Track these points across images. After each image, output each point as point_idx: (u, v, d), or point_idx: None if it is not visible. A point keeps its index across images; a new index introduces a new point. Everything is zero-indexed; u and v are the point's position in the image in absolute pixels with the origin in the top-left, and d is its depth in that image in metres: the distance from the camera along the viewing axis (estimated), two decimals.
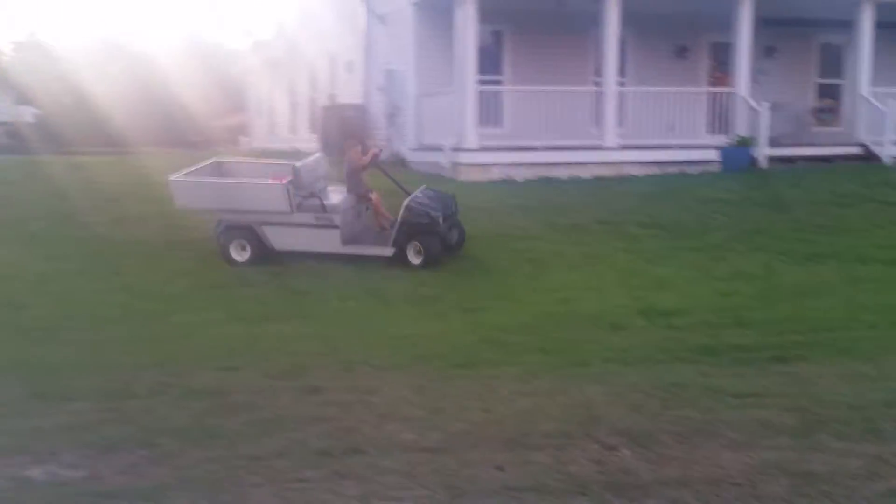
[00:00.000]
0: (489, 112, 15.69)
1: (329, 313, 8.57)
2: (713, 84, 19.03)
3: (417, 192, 10.72)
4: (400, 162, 17.73)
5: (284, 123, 26.61)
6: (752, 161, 16.39)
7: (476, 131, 15.50)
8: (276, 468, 4.70)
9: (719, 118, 17.14)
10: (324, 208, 10.48)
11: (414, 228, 10.30)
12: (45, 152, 24.41)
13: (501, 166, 15.50)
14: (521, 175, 15.44)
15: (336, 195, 11.10)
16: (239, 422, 5.43)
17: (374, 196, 11.09)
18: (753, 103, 16.70)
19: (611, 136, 16.18)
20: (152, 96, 37.06)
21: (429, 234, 10.26)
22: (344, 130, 19.42)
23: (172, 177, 10.66)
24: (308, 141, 22.43)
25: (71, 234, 11.86)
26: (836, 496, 4.25)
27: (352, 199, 10.93)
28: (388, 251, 10.33)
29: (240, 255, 10.52)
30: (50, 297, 9.11)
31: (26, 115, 39.47)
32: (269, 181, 10.62)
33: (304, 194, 10.58)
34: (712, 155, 16.45)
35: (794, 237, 11.70)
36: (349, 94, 21.02)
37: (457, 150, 15.40)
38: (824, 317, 8.18)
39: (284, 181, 10.43)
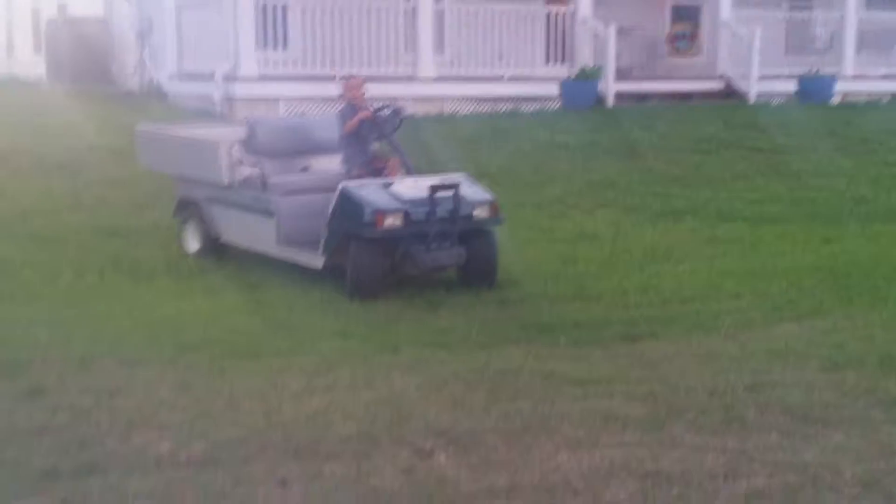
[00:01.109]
0: (273, 31, 15.40)
1: (61, 292, 8.20)
2: (550, 3, 19.50)
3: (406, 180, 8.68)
4: (157, 94, 17.17)
5: None
6: (598, 98, 16.93)
7: (255, 55, 15.18)
8: None
9: (559, 45, 17.59)
10: (263, 186, 9.02)
11: (345, 230, 8.33)
12: None
13: (290, 100, 15.30)
14: (314, 111, 15.28)
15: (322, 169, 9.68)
16: None
17: (390, 165, 9.30)
18: (599, 27, 17.22)
19: (427, 65, 16.27)
20: None
21: (363, 243, 8.22)
22: (79, 52, 18.64)
23: (140, 127, 10.38)
24: (31, 65, 21.34)
25: None
26: (692, 500, 4.46)
27: (336, 177, 9.05)
28: (318, 261, 8.51)
29: (194, 241, 9.69)
30: None
31: None
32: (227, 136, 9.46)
33: (257, 163, 9.21)
34: (552, 89, 16.86)
35: (647, 190, 12.22)
36: (85, 3, 20.11)
37: (230, 79, 15.05)
38: (680, 285, 8.59)
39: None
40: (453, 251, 8.29)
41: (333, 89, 15.40)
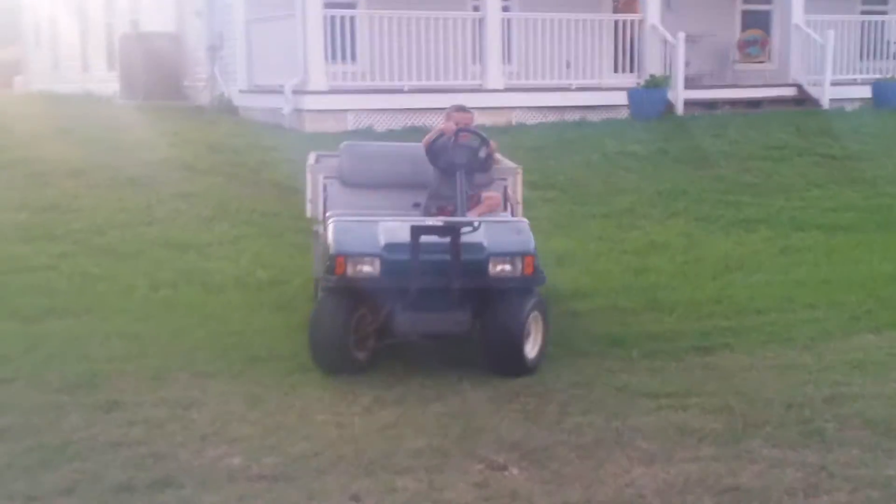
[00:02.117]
0: (341, 44, 15.49)
1: (135, 305, 8.30)
2: (618, 11, 19.40)
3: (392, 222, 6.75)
4: (228, 108, 17.37)
5: (74, 58, 25.62)
6: (667, 106, 16.81)
7: (324, 68, 15.29)
8: None
9: (627, 53, 17.48)
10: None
11: (316, 276, 7.39)
12: None
13: (357, 113, 15.38)
14: (382, 124, 15.36)
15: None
16: (10, 451, 5.19)
17: (473, 199, 7.39)
18: (667, 34, 17.09)
19: (495, 76, 16.26)
20: None
21: (326, 294, 6.67)
22: (151, 67, 18.93)
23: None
24: (105, 81, 21.71)
25: None
26: None
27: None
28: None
29: None
30: None
31: None
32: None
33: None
34: (619, 98, 16.78)
35: (718, 199, 12.08)
36: (158, 19, 20.42)
37: (300, 92, 15.17)
38: (754, 296, 8.46)
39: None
40: (449, 316, 6.38)
41: (399, 101, 15.59)
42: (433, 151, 7.39)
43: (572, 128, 15.73)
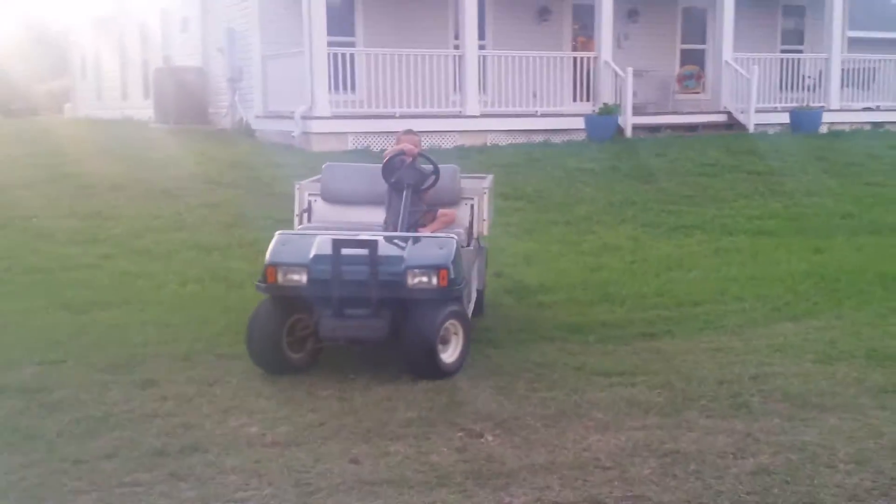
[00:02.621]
0: (342, 76, 15.46)
1: (168, 298, 8.25)
2: (577, 49, 19.43)
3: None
4: (246, 131, 17.31)
5: (114, 88, 25.48)
6: (618, 130, 16.84)
7: (328, 97, 15.26)
8: (102, 472, 4.47)
9: (584, 85, 17.52)
10: None
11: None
12: None
13: (356, 135, 15.35)
14: (378, 144, 15.32)
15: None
16: (60, 421, 5.14)
17: (427, 217, 7.02)
18: (618, 69, 17.14)
19: (472, 104, 16.27)
20: None
21: (264, 301, 6.19)
22: (181, 96, 18.85)
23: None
24: (142, 108, 21.60)
25: None
26: (706, 476, 4.38)
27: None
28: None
29: None
30: None
31: None
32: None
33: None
34: (578, 123, 16.80)
35: (661, 208, 12.09)
36: (186, 54, 20.34)
37: (307, 117, 15.13)
38: (691, 290, 8.47)
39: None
40: (367, 323, 5.89)
41: (392, 125, 15.57)
42: (387, 170, 6.86)
43: (538, 148, 15.73)
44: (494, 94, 16.87)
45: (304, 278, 5.92)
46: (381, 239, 6.03)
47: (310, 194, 7.51)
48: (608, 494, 4.20)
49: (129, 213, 11.15)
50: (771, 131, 18.11)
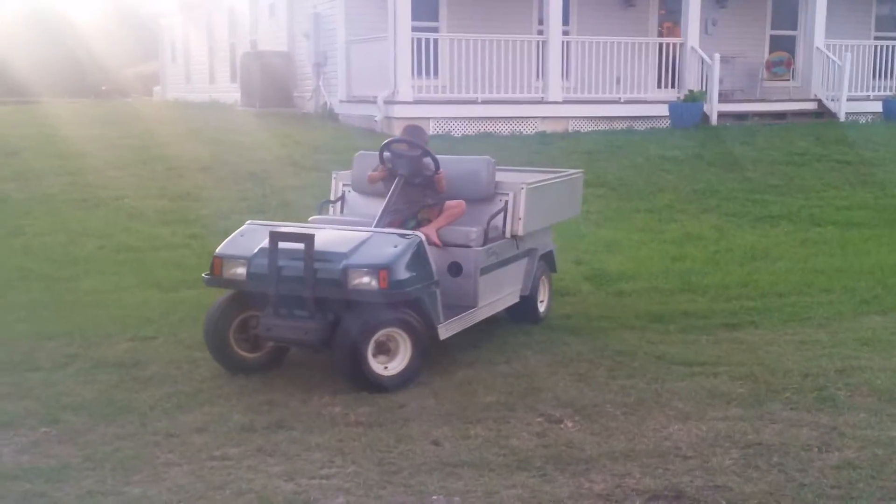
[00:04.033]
0: (425, 61, 15.53)
1: None
2: (662, 35, 19.16)
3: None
4: (329, 115, 17.52)
5: (202, 72, 26.02)
6: (703, 117, 16.58)
7: (411, 82, 15.36)
8: (193, 445, 4.63)
9: (669, 71, 17.26)
10: None
11: None
12: None
13: (438, 120, 15.42)
14: (459, 130, 15.39)
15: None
16: (152, 396, 5.34)
17: (422, 215, 6.51)
18: (704, 56, 16.85)
19: (555, 90, 16.18)
20: (57, 41, 35.98)
21: (218, 299, 5.92)
22: (266, 80, 19.15)
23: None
24: (228, 91, 22.02)
25: None
26: (789, 468, 4.34)
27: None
28: None
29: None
30: None
31: None
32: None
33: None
34: (661, 110, 16.60)
35: (746, 198, 11.89)
36: (272, 39, 20.65)
37: (390, 102, 15.25)
38: (776, 281, 8.34)
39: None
40: (302, 324, 5.43)
41: (473, 111, 15.60)
42: (382, 152, 6.36)
43: (620, 135, 15.60)
44: (577, 80, 16.75)
45: (244, 272, 5.58)
46: (322, 233, 5.62)
47: (344, 184, 7.28)
48: (689, 483, 4.20)
49: (216, 194, 11.40)
50: (862, 120, 17.63)
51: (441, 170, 6.37)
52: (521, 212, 6.58)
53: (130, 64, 36.60)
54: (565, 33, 16.84)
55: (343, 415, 5.07)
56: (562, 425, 4.91)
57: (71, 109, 20.51)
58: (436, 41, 15.72)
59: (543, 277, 7.19)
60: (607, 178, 12.50)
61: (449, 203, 6.41)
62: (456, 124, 15.44)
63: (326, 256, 5.41)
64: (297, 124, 16.42)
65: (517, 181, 6.73)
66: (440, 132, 15.26)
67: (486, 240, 6.34)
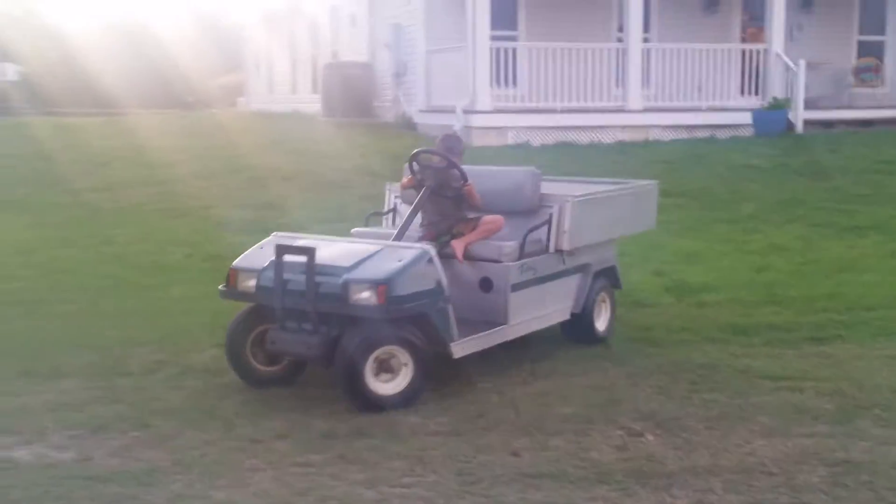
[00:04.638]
0: (504, 71, 15.57)
1: None
2: (746, 41, 18.85)
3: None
4: (408, 125, 17.67)
5: (285, 83, 26.49)
6: (788, 125, 16.26)
7: (490, 92, 15.40)
8: (276, 451, 4.71)
9: (752, 78, 17.00)
10: None
11: None
12: (29, 113, 24.41)
13: (517, 130, 15.44)
14: (538, 139, 15.38)
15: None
16: (237, 402, 5.45)
17: (457, 228, 6.26)
18: (789, 62, 16.54)
19: (635, 98, 16.07)
20: (143, 53, 37.01)
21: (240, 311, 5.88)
22: (347, 91, 19.41)
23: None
24: (310, 102, 22.36)
25: (58, 201, 11.88)
26: (878, 487, 4.23)
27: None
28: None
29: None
30: (36, 268, 9.13)
31: (9, 72, 39.43)
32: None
33: None
34: (745, 118, 16.33)
35: (833, 208, 11.62)
36: (353, 50, 20.92)
37: (469, 112, 15.32)
38: (864, 294, 8.12)
39: None
40: (304, 338, 5.39)
41: (552, 120, 15.57)
42: (412, 162, 6.27)
43: (702, 144, 15.40)
44: (658, 87, 16.61)
45: (254, 285, 5.54)
46: (330, 247, 5.59)
47: (395, 196, 7.14)
48: (774, 501, 4.12)
49: (297, 203, 11.59)
50: None
51: (469, 182, 6.12)
52: (567, 225, 6.29)
53: (215, 75, 37.42)
54: (646, 40, 16.73)
55: (422, 424, 5.10)
56: (643, 438, 4.87)
57: (158, 121, 21.08)
58: (514, 50, 15.76)
59: (603, 294, 6.83)
60: (688, 188, 12.34)
61: (486, 218, 6.21)
62: (534, 134, 15.43)
63: (329, 270, 5.31)
64: (377, 134, 16.59)
65: (567, 193, 6.46)
66: (518, 142, 15.28)
67: (522, 254, 6.07)
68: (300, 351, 5.47)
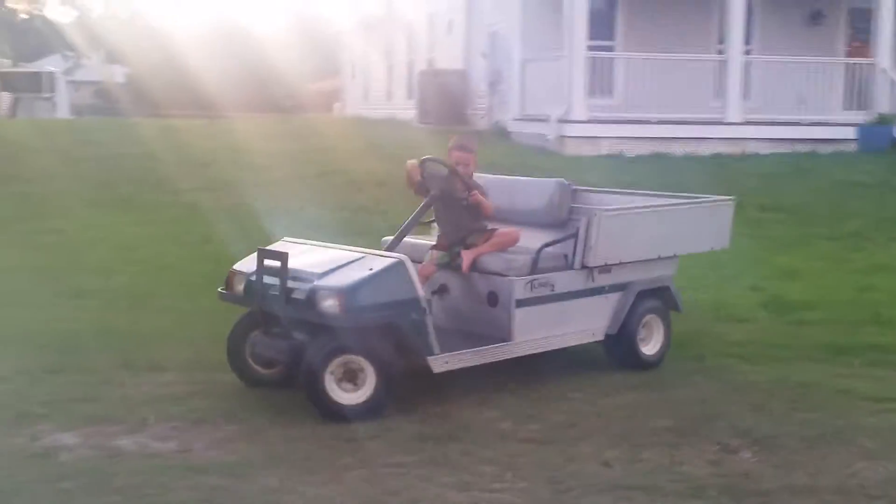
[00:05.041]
0: (600, 80, 15.48)
1: None
2: (850, 54, 18.35)
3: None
4: (502, 133, 17.68)
5: (380, 89, 26.81)
6: (893, 142, 15.76)
7: (585, 101, 15.32)
8: (368, 450, 4.76)
9: (857, 93, 16.55)
10: None
11: None
12: (134, 114, 25.22)
13: (611, 140, 15.32)
14: (632, 150, 15.22)
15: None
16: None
17: (487, 242, 6.05)
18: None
19: (734, 110, 15.79)
20: (244, 58, 37.89)
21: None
22: (442, 98, 19.54)
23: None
24: (405, 108, 22.57)
25: (161, 200, 12.24)
26: None
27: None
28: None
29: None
30: (139, 264, 9.42)
31: (116, 74, 40.82)
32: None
33: None
34: (848, 133, 15.91)
35: None
36: (449, 57, 21.05)
37: (563, 121, 15.26)
38: None
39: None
40: (275, 343, 5.45)
41: (647, 131, 15.39)
42: (421, 169, 6.10)
43: (803, 158, 15.04)
44: (758, 100, 16.28)
45: (242, 288, 5.59)
46: (311, 253, 5.60)
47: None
48: None
49: (391, 208, 11.68)
50: None
51: (475, 192, 5.91)
52: (595, 240, 5.94)
53: (312, 81, 38.08)
54: (747, 52, 16.42)
55: (512, 430, 5.10)
56: (738, 455, 4.77)
57: (257, 124, 21.55)
58: (611, 60, 15.64)
59: (654, 317, 6.36)
60: (788, 203, 12.06)
61: (501, 230, 6.05)
62: (629, 144, 15.29)
63: (303, 276, 5.27)
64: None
65: (587, 207, 6.20)
66: (613, 152, 15.16)
67: (535, 269, 5.80)
68: (272, 355, 5.49)
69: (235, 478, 4.41)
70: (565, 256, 6.00)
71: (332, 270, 5.28)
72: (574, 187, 6.73)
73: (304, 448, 4.79)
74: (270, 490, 4.29)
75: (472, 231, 6.06)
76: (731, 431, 5.10)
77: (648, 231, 6.25)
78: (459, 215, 6.04)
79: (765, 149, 15.70)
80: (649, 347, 6.38)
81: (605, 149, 15.23)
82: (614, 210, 6.18)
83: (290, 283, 5.24)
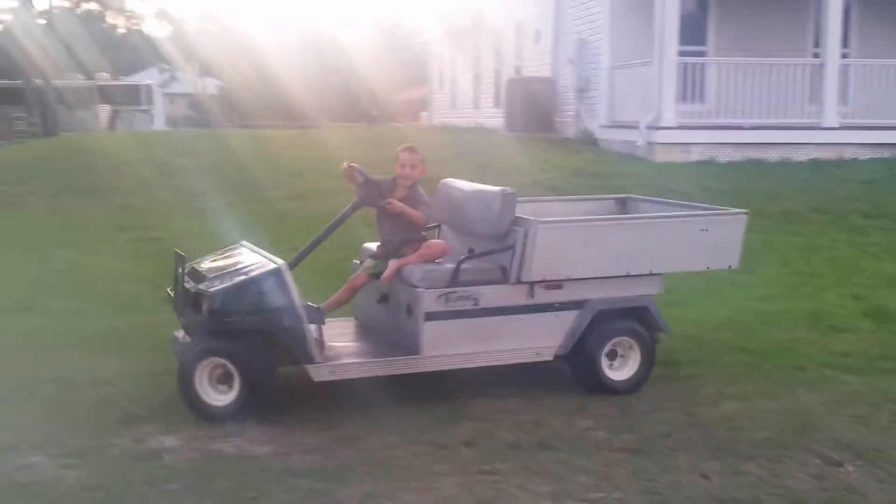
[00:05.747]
0: (691, 86, 15.25)
1: None
2: None
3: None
4: (590, 140, 17.57)
5: (467, 97, 26.88)
6: None
7: (675, 107, 15.11)
8: (462, 458, 4.78)
9: None
10: None
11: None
12: (226, 125, 25.81)
13: (702, 146, 15.06)
14: (724, 156, 14.95)
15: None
16: (421, 410, 5.53)
17: (414, 252, 5.96)
18: None
19: (831, 115, 15.37)
20: (332, 69, 38.49)
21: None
22: (529, 105, 19.50)
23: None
24: (492, 116, 22.59)
25: (253, 208, 12.47)
26: None
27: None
28: None
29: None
30: None
31: (209, 86, 41.88)
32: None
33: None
34: None
35: None
36: (536, 65, 20.99)
37: (653, 127, 15.07)
38: None
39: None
40: (182, 344, 5.66)
41: (740, 136, 15.10)
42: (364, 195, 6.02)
43: None
44: (856, 104, 15.83)
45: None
46: (226, 258, 5.79)
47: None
48: None
49: None
50: None
51: (391, 200, 5.80)
52: (529, 254, 5.56)
53: (399, 90, 38.46)
54: (844, 55, 15.99)
55: (607, 440, 5.07)
56: (842, 469, 4.65)
57: (346, 133, 21.84)
58: (702, 65, 15.40)
59: (626, 339, 5.88)
60: (890, 210, 11.67)
61: (430, 241, 5.99)
62: (721, 150, 15.02)
63: (199, 280, 5.42)
64: (558, 149, 16.57)
65: (527, 219, 5.69)
66: (705, 158, 14.91)
67: (455, 282, 5.55)
68: (177, 353, 5.58)
69: (332, 483, 4.48)
70: (502, 269, 5.69)
71: (221, 275, 5.42)
72: (633, 198, 6.65)
73: (401, 455, 4.84)
74: (367, 495, 4.35)
75: (407, 241, 5.95)
76: (834, 444, 4.99)
77: (608, 246, 5.76)
78: (393, 225, 5.98)
79: (863, 154, 15.25)
80: (619, 372, 5.89)
81: (696, 155, 14.99)
82: (554, 222, 5.76)
83: (188, 286, 5.41)
